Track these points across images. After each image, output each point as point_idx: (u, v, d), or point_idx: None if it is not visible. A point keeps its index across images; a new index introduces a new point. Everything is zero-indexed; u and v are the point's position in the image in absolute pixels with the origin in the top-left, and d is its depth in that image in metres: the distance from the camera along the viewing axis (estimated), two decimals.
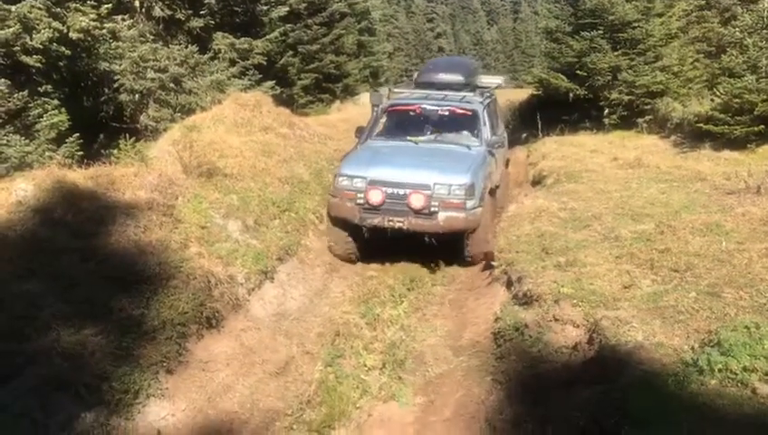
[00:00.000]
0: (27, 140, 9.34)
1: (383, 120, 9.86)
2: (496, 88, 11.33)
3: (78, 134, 10.13)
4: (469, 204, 7.80)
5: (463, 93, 9.94)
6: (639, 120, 14.20)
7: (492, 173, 8.88)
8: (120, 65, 12.44)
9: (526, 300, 5.96)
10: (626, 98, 14.37)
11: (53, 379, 4.34)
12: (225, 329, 6.04)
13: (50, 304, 5.02)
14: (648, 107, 14.27)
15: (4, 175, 8.13)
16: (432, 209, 7.68)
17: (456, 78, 10.32)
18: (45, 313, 4.92)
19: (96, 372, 4.61)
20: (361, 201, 7.87)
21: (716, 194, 8.04)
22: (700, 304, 4.84)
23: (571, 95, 15.14)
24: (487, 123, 9.45)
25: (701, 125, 11.58)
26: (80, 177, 6.82)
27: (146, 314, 5.43)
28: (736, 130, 10.91)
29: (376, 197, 7.78)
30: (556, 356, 4.98)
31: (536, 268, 6.30)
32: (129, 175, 7.16)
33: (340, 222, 8.22)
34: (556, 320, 5.31)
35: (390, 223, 7.78)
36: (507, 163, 11.36)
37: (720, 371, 3.80)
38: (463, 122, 9.42)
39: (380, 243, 8.28)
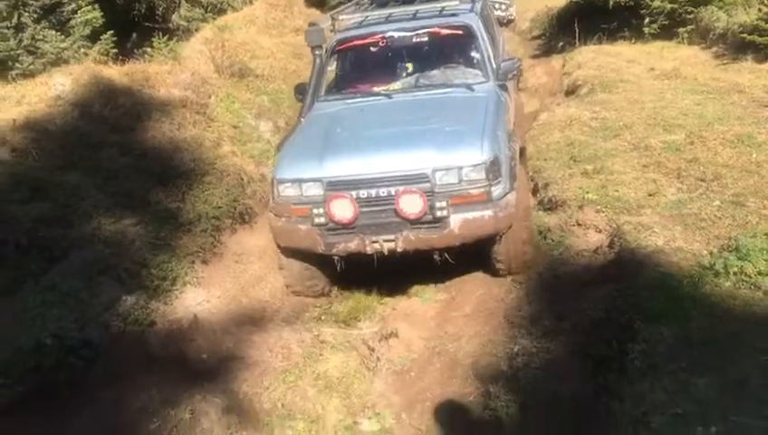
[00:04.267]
0: (62, 36, 9.41)
1: (332, 67, 6.58)
2: None
3: (112, 31, 10.15)
4: (496, 191, 4.78)
5: (442, 3, 6.59)
6: (681, 29, 13.63)
7: (513, 127, 5.94)
8: None
9: (551, 205, 6.05)
10: (668, 6, 13.77)
11: (97, 263, 4.63)
12: (257, 225, 6.27)
13: (91, 195, 5.29)
14: (691, 16, 13.68)
15: (41, 70, 8.25)
16: (438, 214, 4.71)
17: None
18: (87, 202, 5.21)
19: (136, 259, 4.91)
20: (322, 220, 4.85)
21: (753, 106, 7.85)
22: (723, 212, 4.90)
23: (611, 2, 14.58)
24: (488, 42, 6.24)
25: (745, 36, 11.11)
26: (115, 73, 6.97)
27: (182, 207, 5.68)
28: None
29: (344, 211, 4.77)
30: (577, 259, 5.12)
31: (563, 175, 6.34)
32: (163, 72, 7.29)
33: (294, 252, 5.25)
34: (579, 225, 5.43)
35: (374, 246, 4.82)
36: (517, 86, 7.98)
37: (735, 274, 3.90)
38: (453, 48, 6.29)
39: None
